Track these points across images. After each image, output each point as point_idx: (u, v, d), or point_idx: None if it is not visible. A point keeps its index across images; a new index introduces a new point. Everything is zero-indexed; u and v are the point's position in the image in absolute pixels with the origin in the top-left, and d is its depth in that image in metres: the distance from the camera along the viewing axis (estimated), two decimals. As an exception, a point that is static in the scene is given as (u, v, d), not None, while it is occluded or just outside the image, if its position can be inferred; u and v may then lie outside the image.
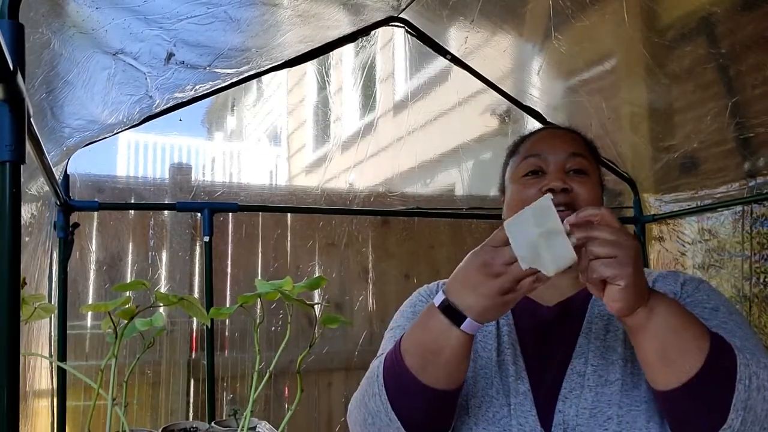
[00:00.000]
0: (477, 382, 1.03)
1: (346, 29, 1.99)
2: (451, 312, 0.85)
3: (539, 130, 1.20)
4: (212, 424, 1.78)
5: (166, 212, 2.11)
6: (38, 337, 1.72)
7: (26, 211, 1.59)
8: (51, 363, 1.77)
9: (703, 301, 1.00)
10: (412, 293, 1.20)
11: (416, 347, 0.91)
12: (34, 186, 1.57)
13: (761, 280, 1.75)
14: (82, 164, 1.98)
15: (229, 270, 2.20)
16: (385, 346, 1.10)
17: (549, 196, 0.82)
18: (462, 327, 0.84)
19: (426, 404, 0.91)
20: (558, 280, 1.02)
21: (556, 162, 1.08)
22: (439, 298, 0.88)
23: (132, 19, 1.40)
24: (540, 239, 0.80)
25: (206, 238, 2.01)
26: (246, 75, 1.95)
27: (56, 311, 1.79)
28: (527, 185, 1.09)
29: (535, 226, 0.80)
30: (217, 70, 1.81)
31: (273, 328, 2.21)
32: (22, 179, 0.77)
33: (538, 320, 1.08)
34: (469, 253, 0.87)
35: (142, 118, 1.85)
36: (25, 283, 1.34)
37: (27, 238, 1.64)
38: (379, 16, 2.00)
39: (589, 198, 1.05)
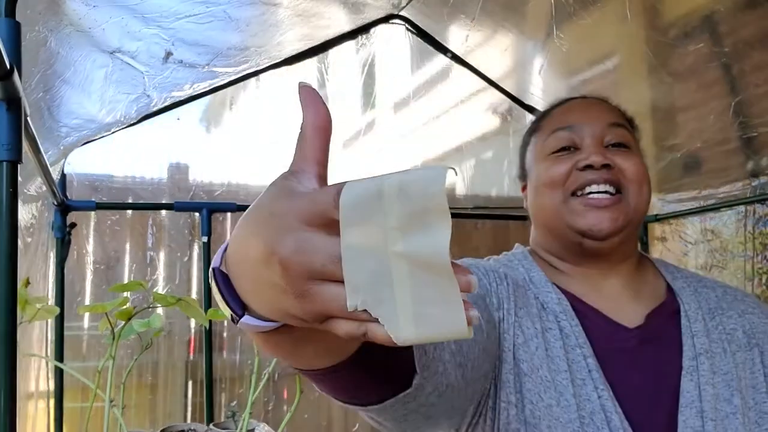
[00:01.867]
0: (583, 427, 0.78)
1: (347, 27, 1.98)
2: (222, 287, 0.43)
3: (567, 100, 0.99)
4: (210, 425, 1.77)
5: (164, 212, 2.10)
6: (35, 339, 1.70)
7: (27, 212, 1.58)
8: (48, 364, 1.75)
9: None
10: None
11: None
12: (33, 186, 1.55)
13: (763, 281, 1.74)
14: (80, 163, 1.96)
15: (227, 270, 2.18)
16: None
17: (446, 170, 0.34)
18: (240, 323, 0.43)
19: (321, 381, 0.56)
20: (615, 283, 0.88)
21: (593, 134, 0.87)
22: (218, 256, 0.44)
23: (129, 18, 1.39)
24: (400, 262, 0.34)
25: (204, 239, 1.99)
26: (245, 73, 1.94)
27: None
28: (558, 161, 0.88)
29: (396, 221, 0.34)
30: (215, 69, 1.79)
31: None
32: (20, 179, 0.76)
33: (620, 348, 0.84)
34: (264, 199, 0.40)
35: (140, 116, 1.84)
36: (29, 283, 1.33)
37: (30, 239, 1.63)
38: (380, 14, 2.00)
39: (636, 176, 0.85)
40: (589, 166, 0.84)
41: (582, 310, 0.86)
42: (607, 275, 0.89)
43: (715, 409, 0.79)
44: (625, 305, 0.87)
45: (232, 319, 0.43)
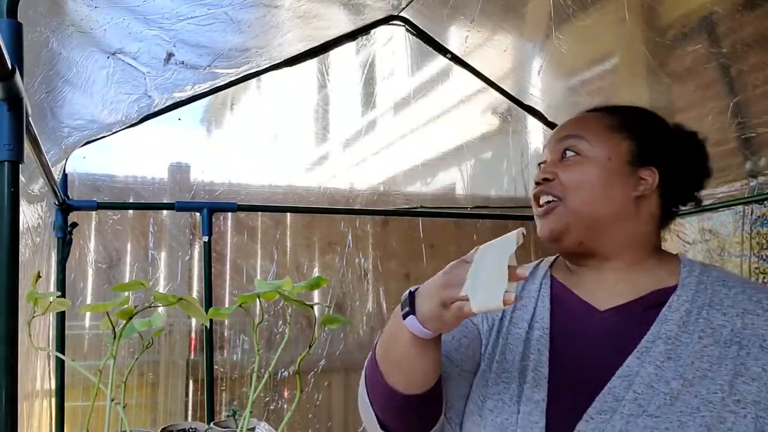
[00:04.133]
0: (496, 384, 0.93)
1: (347, 28, 1.99)
2: (407, 305, 0.83)
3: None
4: (211, 424, 1.78)
5: (165, 212, 2.11)
6: (36, 337, 1.71)
7: (34, 212, 1.58)
8: (49, 364, 1.76)
9: None
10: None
11: (382, 341, 0.90)
12: (36, 186, 1.56)
13: (760, 281, 1.74)
14: (81, 163, 1.97)
15: (228, 270, 2.19)
16: None
17: (520, 231, 0.75)
18: (405, 321, 0.81)
19: (392, 405, 0.90)
20: (613, 279, 0.94)
21: (552, 151, 0.99)
22: (408, 291, 0.85)
23: (131, 19, 1.40)
24: (488, 271, 0.74)
25: (205, 238, 2.00)
26: (245, 74, 1.94)
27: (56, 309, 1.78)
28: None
29: (495, 256, 0.75)
30: (216, 70, 1.80)
31: (273, 329, 2.20)
32: (24, 180, 0.77)
33: (584, 325, 0.93)
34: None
35: (141, 117, 1.84)
36: (40, 276, 1.33)
37: (38, 239, 1.64)
38: (380, 15, 2.00)
39: (570, 182, 0.93)
40: (537, 184, 0.97)
41: (563, 297, 0.97)
42: (599, 269, 0.96)
43: (647, 384, 0.83)
44: (614, 294, 0.93)
45: (404, 316, 0.82)
